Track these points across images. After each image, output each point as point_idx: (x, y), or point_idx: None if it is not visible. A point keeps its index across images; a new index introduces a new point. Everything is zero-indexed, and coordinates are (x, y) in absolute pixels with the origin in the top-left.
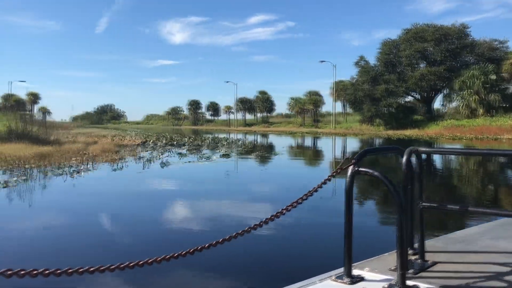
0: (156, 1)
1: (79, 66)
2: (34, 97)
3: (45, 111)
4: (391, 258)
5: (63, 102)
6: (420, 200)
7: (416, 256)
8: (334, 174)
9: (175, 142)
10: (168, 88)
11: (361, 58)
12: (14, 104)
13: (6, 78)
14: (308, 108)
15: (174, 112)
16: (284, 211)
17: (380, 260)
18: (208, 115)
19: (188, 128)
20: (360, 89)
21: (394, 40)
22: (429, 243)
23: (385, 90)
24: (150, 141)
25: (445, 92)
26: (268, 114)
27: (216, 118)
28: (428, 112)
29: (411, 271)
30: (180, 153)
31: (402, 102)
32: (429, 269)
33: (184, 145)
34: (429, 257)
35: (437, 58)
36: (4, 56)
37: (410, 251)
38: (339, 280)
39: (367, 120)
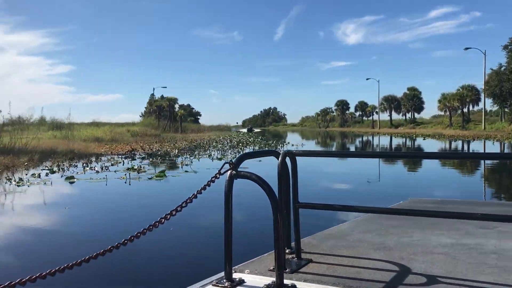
0: (331, 4)
1: (257, 72)
2: (172, 102)
3: (181, 115)
4: (270, 259)
5: (240, 106)
6: (295, 200)
7: (293, 255)
8: (214, 179)
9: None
10: (339, 89)
11: None
12: (155, 109)
13: (196, 85)
14: (453, 105)
15: (324, 114)
16: (157, 223)
17: (260, 261)
18: (358, 116)
19: (334, 130)
20: (507, 79)
21: None
22: (306, 241)
23: None
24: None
25: None
26: (416, 114)
27: (366, 118)
28: None
29: (288, 270)
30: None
31: None
32: (305, 267)
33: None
34: (306, 254)
35: None
36: (194, 66)
37: (287, 250)
38: (220, 285)
39: None
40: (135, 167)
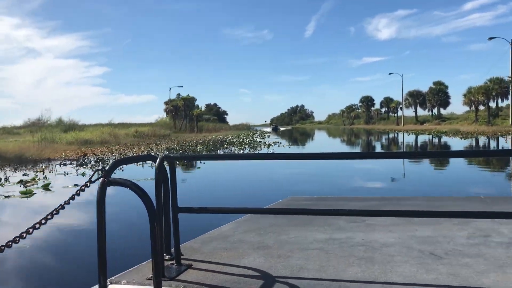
0: None
1: (287, 70)
2: (187, 101)
3: (198, 114)
4: (148, 267)
5: (270, 105)
6: (174, 205)
7: (173, 261)
8: (83, 188)
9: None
10: (370, 85)
11: None
12: (172, 108)
13: (227, 84)
14: (477, 99)
15: (349, 110)
16: (18, 239)
17: (138, 271)
18: (383, 112)
19: (359, 128)
20: None
21: None
22: (187, 245)
23: None
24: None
25: None
26: (442, 109)
27: (392, 115)
28: None
29: (167, 277)
30: None
31: None
32: (184, 273)
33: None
34: (186, 260)
35: None
36: (225, 65)
37: (167, 257)
38: None
39: None
40: (37, 178)
